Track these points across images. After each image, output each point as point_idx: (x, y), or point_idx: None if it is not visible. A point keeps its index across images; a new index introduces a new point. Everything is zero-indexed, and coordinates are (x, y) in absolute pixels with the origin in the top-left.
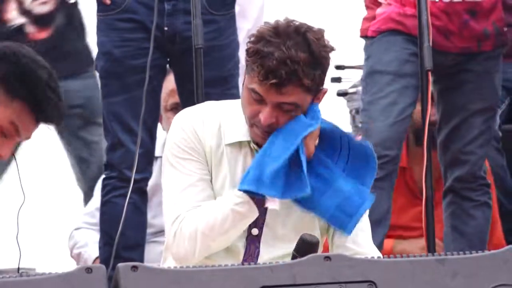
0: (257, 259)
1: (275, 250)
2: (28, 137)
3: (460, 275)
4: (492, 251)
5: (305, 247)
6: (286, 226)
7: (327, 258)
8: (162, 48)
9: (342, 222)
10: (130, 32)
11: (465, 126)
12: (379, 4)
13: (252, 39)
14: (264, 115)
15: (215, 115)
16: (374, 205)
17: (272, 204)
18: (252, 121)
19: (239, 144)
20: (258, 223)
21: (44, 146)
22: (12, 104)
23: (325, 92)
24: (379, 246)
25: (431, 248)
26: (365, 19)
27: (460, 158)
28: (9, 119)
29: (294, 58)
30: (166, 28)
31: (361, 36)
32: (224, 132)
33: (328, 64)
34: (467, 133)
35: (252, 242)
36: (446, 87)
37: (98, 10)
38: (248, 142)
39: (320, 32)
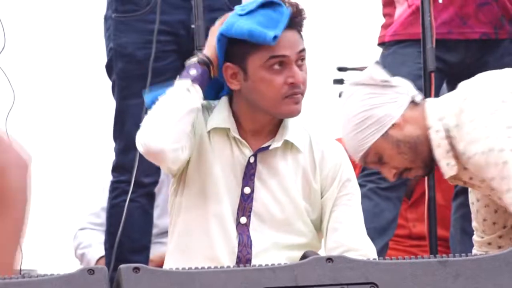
0: (251, 249)
1: (266, 238)
2: None
3: (462, 277)
4: (494, 253)
5: None
6: (273, 213)
7: (329, 259)
8: (184, 47)
9: (262, 34)
10: (153, 34)
11: None
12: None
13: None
14: (296, 72)
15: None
16: (379, 213)
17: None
18: (283, 93)
19: (223, 131)
20: (246, 211)
21: (45, 145)
22: None
23: None
24: (379, 253)
25: (433, 249)
26: (383, 27)
27: None
28: None
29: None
30: (193, 26)
31: (378, 44)
32: (208, 119)
33: None
34: None
35: (243, 231)
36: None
37: (117, 11)
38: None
39: None
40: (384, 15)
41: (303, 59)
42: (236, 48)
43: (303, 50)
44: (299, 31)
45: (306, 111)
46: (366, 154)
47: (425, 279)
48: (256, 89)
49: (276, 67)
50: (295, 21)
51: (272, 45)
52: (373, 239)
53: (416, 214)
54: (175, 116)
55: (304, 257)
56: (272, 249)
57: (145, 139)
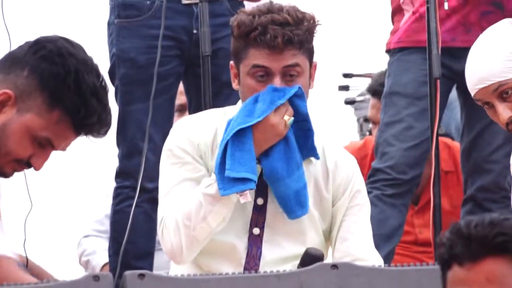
0: (259, 261)
1: (279, 249)
2: (63, 149)
3: None
4: None
5: (309, 260)
6: (288, 224)
7: (334, 266)
8: (186, 53)
9: (292, 208)
10: (157, 39)
11: (489, 132)
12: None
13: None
14: (277, 85)
15: (212, 114)
16: (385, 220)
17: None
18: None
19: None
20: (259, 222)
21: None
22: (49, 114)
23: None
24: (385, 260)
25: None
26: (391, 33)
27: (484, 167)
28: (43, 130)
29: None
30: (195, 31)
31: (386, 51)
32: (222, 125)
33: None
34: (492, 140)
35: (254, 242)
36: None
37: (120, 17)
38: None
39: None
40: (394, 21)
41: (292, 74)
42: (235, 53)
43: (294, 65)
44: (300, 48)
45: (311, 117)
46: (503, 83)
47: (430, 286)
48: (242, 94)
49: (260, 76)
50: (298, 39)
51: (259, 55)
52: (378, 245)
53: (423, 220)
54: (209, 236)
55: (306, 253)
56: (283, 261)
57: (173, 254)
